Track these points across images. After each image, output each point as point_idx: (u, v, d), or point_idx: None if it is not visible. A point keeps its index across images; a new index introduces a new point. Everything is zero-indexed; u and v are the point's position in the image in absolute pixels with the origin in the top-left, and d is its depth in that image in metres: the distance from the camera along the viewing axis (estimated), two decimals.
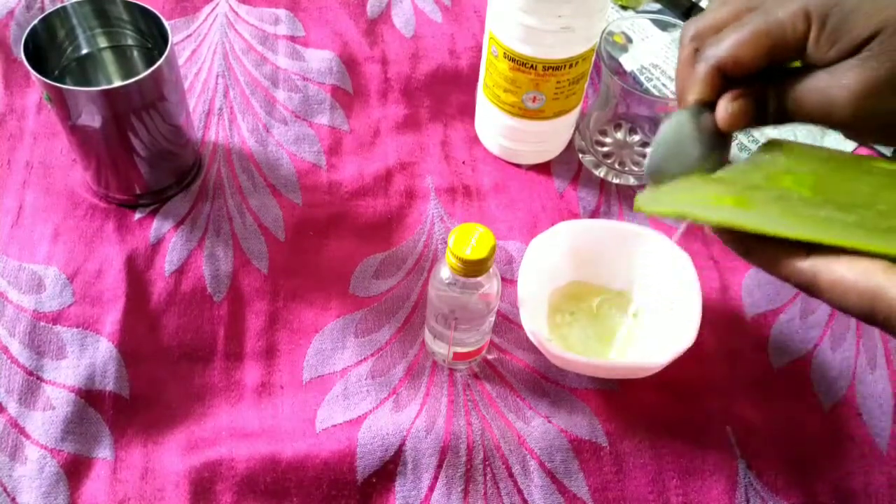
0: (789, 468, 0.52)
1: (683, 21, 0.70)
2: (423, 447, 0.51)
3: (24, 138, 0.65)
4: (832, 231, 0.30)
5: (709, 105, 0.37)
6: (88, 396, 0.51)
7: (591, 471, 0.51)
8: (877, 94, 0.32)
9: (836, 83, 0.33)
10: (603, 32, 0.61)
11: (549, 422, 0.52)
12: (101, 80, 0.61)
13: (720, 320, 0.58)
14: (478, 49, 0.74)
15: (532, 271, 0.53)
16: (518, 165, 0.67)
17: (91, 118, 0.53)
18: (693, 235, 0.62)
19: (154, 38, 0.57)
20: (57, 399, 0.51)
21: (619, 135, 0.68)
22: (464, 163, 0.67)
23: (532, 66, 0.57)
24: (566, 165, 0.67)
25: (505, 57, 0.58)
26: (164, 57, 0.52)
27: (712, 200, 0.34)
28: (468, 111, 0.69)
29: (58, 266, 0.57)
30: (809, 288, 0.31)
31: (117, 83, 0.52)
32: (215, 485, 0.49)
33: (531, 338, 0.52)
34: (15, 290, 0.56)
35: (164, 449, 0.51)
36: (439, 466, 0.50)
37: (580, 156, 0.68)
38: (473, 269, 0.45)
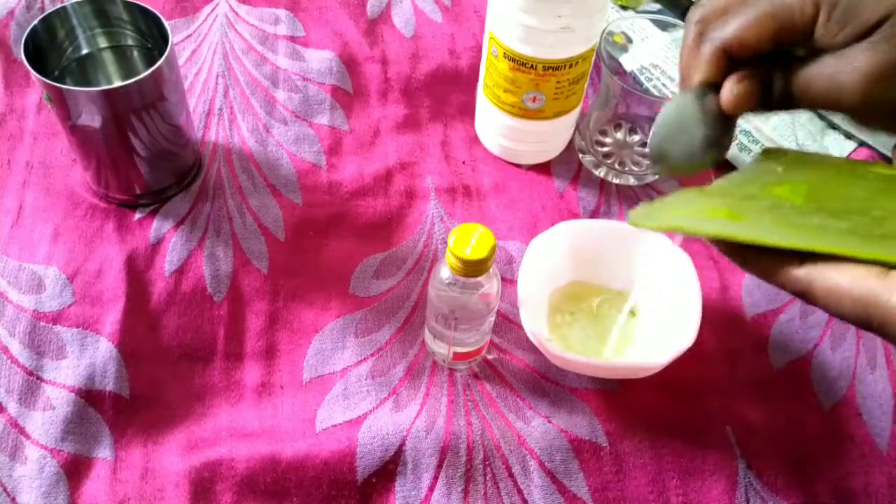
0: (789, 468, 0.52)
1: (683, 21, 0.70)
2: (423, 447, 0.51)
3: (24, 138, 0.65)
4: (825, 239, 0.30)
5: (713, 88, 0.36)
6: (88, 396, 0.51)
7: (591, 471, 0.51)
8: (887, 78, 0.32)
9: (845, 67, 0.32)
10: (603, 32, 0.61)
11: (549, 422, 0.52)
12: (101, 80, 0.61)
13: (720, 320, 0.58)
14: (478, 49, 0.74)
15: (532, 271, 0.53)
16: (518, 165, 0.67)
17: (91, 118, 0.53)
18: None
19: (154, 38, 0.57)
20: (57, 399, 0.51)
21: (619, 135, 0.68)
22: (464, 163, 0.67)
23: (532, 66, 0.57)
24: (566, 165, 0.67)
25: (505, 57, 0.58)
26: (164, 57, 0.52)
27: (706, 213, 0.34)
28: (468, 111, 0.69)
29: (58, 266, 0.57)
30: (805, 295, 0.31)
31: (117, 83, 0.52)
32: (215, 485, 0.49)
33: (531, 338, 0.52)
34: (15, 290, 0.56)
35: (164, 449, 0.51)
36: (439, 466, 0.50)
37: (580, 156, 0.68)
38: (473, 269, 0.45)
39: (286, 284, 0.58)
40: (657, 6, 0.76)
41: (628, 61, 0.69)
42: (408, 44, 0.75)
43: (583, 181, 0.66)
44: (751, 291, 0.60)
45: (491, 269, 0.47)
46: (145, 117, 0.54)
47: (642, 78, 0.68)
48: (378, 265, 0.60)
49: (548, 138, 0.65)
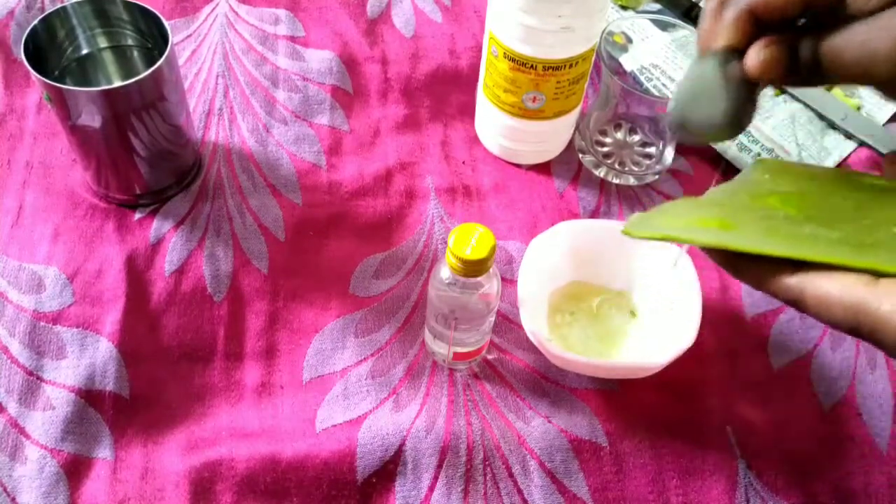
0: (789, 468, 0.52)
1: (683, 21, 0.70)
2: (423, 447, 0.51)
3: (24, 138, 0.65)
4: (817, 248, 0.31)
5: (737, 54, 0.34)
6: (88, 396, 0.51)
7: (591, 471, 0.51)
8: None
9: (879, 33, 0.30)
10: (603, 32, 0.61)
11: (549, 422, 0.52)
12: (101, 80, 0.61)
13: (720, 320, 0.58)
14: (478, 49, 0.74)
15: (532, 271, 0.53)
16: (518, 165, 0.67)
17: (91, 118, 0.53)
18: None
19: (154, 38, 0.57)
20: (57, 399, 0.51)
21: (619, 135, 0.68)
22: (464, 163, 0.67)
23: (532, 66, 0.57)
24: (566, 165, 0.67)
25: (505, 57, 0.58)
26: (164, 57, 0.52)
27: (699, 223, 0.34)
28: (468, 111, 0.69)
29: (58, 266, 0.57)
30: (797, 303, 0.31)
31: (117, 83, 0.52)
32: (215, 485, 0.49)
33: (531, 338, 0.52)
34: (15, 290, 0.56)
35: (164, 449, 0.51)
36: (439, 466, 0.50)
37: (580, 156, 0.68)
38: (473, 269, 0.45)
39: (286, 284, 0.58)
40: (657, 6, 0.76)
41: (628, 61, 0.69)
42: (408, 44, 0.75)
43: (583, 181, 0.66)
44: (751, 291, 0.60)
45: (491, 269, 0.47)
46: (145, 117, 0.54)
47: (642, 78, 0.68)
48: (378, 265, 0.60)
49: (548, 138, 0.65)
